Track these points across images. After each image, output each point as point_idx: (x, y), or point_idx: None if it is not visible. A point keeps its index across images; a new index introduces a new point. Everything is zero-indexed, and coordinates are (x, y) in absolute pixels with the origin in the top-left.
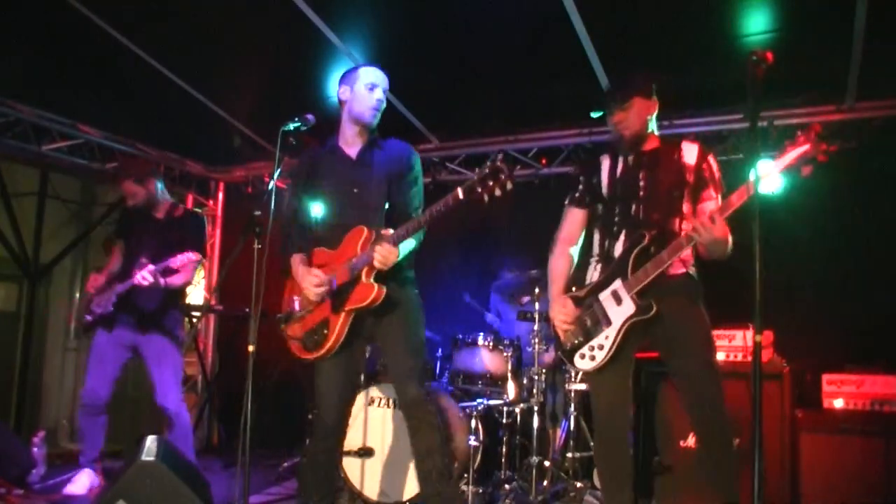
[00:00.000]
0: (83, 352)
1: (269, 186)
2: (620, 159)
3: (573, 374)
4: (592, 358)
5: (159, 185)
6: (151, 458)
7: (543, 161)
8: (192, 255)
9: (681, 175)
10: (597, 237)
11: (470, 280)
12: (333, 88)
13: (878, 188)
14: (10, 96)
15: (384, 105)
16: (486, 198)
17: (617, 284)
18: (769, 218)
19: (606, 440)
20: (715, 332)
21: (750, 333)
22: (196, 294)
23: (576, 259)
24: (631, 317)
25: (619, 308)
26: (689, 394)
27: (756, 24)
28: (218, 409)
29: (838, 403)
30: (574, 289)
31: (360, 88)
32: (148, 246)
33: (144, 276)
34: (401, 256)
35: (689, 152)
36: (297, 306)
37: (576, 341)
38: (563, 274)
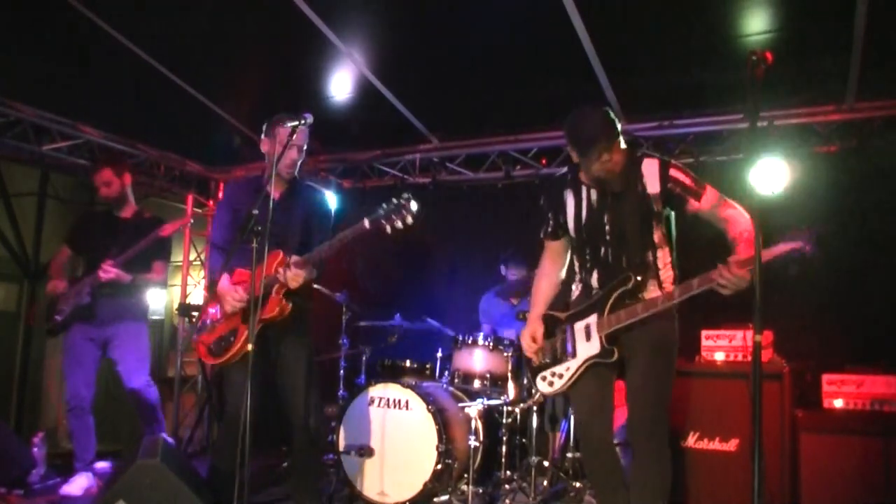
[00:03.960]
0: None
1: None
2: (584, 197)
3: None
4: (551, 384)
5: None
6: (151, 458)
7: (543, 161)
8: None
9: (646, 209)
10: (576, 263)
11: (471, 278)
12: (334, 88)
13: (877, 188)
14: (10, 96)
15: (302, 158)
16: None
17: (592, 319)
18: (769, 218)
19: (591, 450)
20: (715, 332)
21: (750, 333)
22: (196, 294)
23: (559, 283)
24: (592, 357)
25: (587, 344)
26: (629, 438)
27: (756, 24)
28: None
29: (838, 403)
30: (557, 309)
31: (278, 148)
32: (114, 243)
33: (105, 268)
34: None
35: (651, 178)
36: (211, 317)
37: (543, 362)
38: (543, 298)
